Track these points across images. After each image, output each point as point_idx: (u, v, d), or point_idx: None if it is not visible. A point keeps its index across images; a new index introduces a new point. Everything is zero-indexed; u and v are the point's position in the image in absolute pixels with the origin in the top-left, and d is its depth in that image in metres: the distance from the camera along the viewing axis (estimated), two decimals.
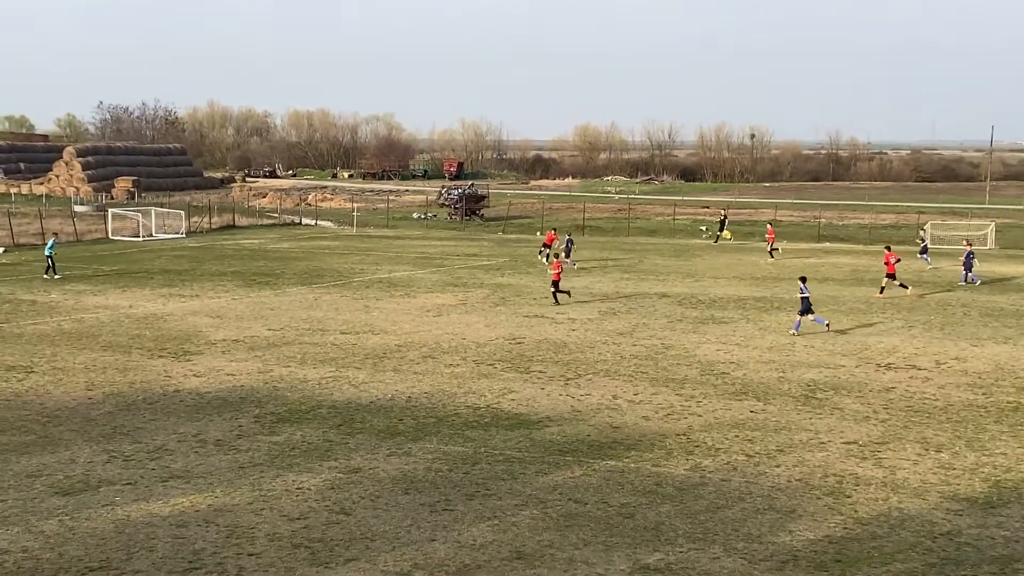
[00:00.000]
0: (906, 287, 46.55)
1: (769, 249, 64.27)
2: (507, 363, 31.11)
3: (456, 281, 50.91)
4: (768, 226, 69.35)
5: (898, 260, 47.76)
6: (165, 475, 20.34)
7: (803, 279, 37.84)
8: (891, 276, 46.36)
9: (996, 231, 74.97)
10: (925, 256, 59.38)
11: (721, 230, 74.16)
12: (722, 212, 78.10)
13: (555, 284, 43.41)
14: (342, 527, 17.68)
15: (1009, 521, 18.04)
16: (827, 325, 36.65)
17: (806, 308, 36.53)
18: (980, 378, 29.33)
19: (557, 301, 42.94)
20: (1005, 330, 37.24)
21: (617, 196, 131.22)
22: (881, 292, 45.93)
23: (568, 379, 29.01)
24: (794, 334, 35.80)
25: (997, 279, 52.89)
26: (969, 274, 50.70)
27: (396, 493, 19.35)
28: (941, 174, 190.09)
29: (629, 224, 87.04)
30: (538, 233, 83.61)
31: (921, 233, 66.98)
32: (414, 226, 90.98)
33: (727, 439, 23.05)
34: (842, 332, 36.66)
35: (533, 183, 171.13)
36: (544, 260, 58.01)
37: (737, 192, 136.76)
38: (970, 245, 53.98)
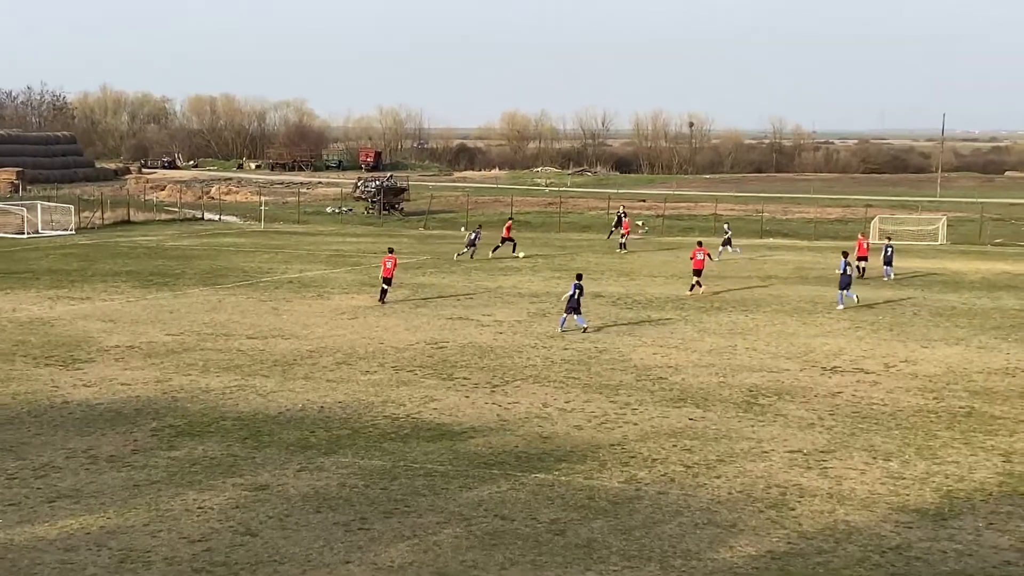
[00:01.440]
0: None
1: (620, 242, 65.88)
2: (429, 369, 31.05)
3: (373, 281, 50.62)
4: (624, 217, 70.79)
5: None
6: (52, 495, 20.01)
7: (579, 276, 38.39)
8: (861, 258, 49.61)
9: (948, 226, 76.37)
10: (729, 247, 62.68)
11: (617, 226, 74.31)
12: (620, 208, 78.24)
13: (386, 281, 43.44)
14: (247, 549, 17.52)
15: (961, 534, 18.38)
16: (585, 328, 37.16)
17: (572, 307, 37.06)
18: (931, 382, 29.86)
19: (382, 301, 43.06)
20: (957, 330, 37.97)
21: (547, 189, 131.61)
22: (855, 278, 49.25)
23: (494, 386, 29.03)
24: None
25: (949, 277, 53.88)
26: (888, 268, 52.43)
27: (307, 512, 19.22)
28: (890, 165, 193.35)
29: (560, 219, 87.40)
30: (462, 229, 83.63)
31: (725, 226, 69.04)
32: (327, 221, 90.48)
33: (664, 449, 23.22)
34: (787, 334, 37.13)
35: (457, 175, 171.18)
36: (517, 254, 60.48)
37: (675, 184, 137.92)
38: (889, 239, 56.82)
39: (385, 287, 43.66)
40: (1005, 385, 29.44)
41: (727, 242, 64.00)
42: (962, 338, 36.52)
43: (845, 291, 43.23)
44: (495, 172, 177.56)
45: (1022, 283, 51.07)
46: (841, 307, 42.59)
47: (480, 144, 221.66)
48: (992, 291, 48.21)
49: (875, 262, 53.80)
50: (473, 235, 61.83)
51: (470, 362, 32.11)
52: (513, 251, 61.97)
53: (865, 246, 53.33)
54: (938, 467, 22.05)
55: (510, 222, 67.63)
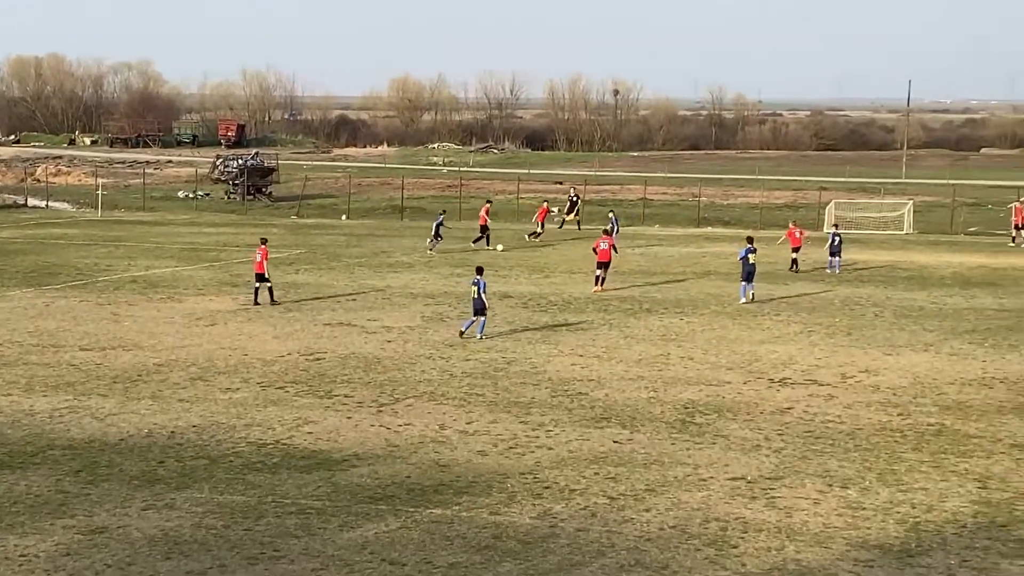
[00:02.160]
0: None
1: (532, 232, 67.37)
2: (303, 385, 30.88)
3: (236, 280, 50.29)
4: (544, 204, 71.92)
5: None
6: None
7: (479, 270, 38.96)
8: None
9: (915, 212, 77.75)
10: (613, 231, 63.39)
11: (570, 212, 74.95)
12: (572, 190, 78.87)
13: (260, 278, 43.41)
14: None
15: (931, 573, 18.72)
16: (461, 333, 37.63)
17: (479, 308, 37.47)
18: (895, 395, 30.38)
19: (258, 302, 43.21)
20: (925, 334, 38.67)
21: (446, 169, 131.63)
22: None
23: (382, 405, 28.96)
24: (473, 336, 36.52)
25: (917, 271, 54.84)
26: (835, 259, 54.13)
27: (154, 558, 19.00)
28: (848, 141, 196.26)
29: (461, 205, 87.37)
30: (344, 217, 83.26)
31: (610, 214, 70.36)
32: (179, 208, 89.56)
33: (584, 478, 23.32)
34: (728, 340, 37.54)
35: (337, 152, 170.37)
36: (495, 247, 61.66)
37: (597, 163, 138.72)
38: (836, 226, 58.82)
39: (258, 285, 43.43)
40: (981, 398, 30.05)
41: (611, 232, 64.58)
42: (931, 343, 37.20)
43: (747, 283, 44.92)
44: (382, 149, 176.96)
45: (1000, 279, 52.18)
46: (743, 301, 44.54)
47: (364, 116, 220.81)
48: (966, 288, 49.18)
49: (821, 254, 54.63)
50: (438, 221, 62.79)
51: (352, 376, 31.98)
52: (487, 243, 62.69)
53: (797, 235, 54.89)
54: (904, 495, 22.43)
55: (488, 206, 67.54)
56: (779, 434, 26.59)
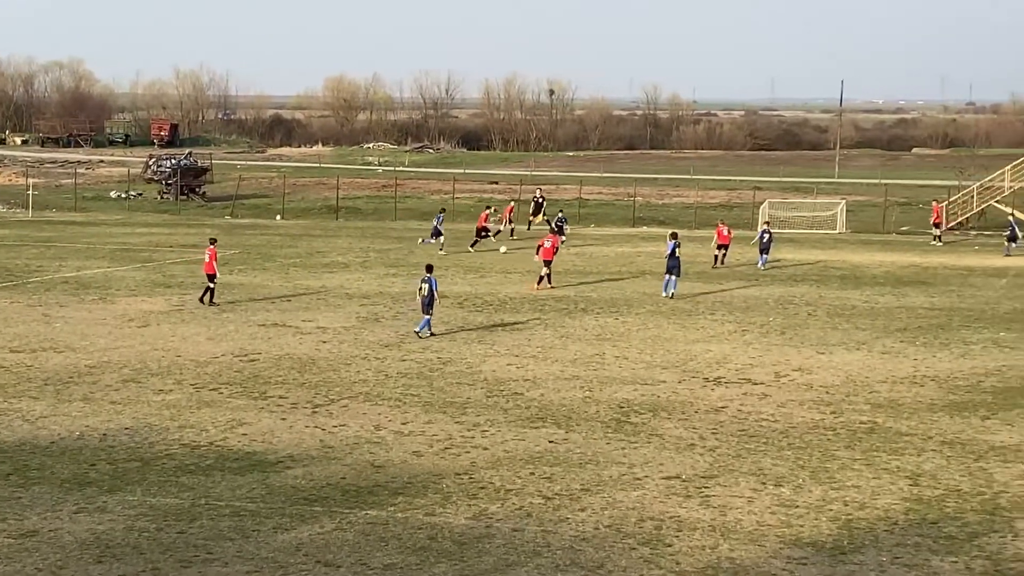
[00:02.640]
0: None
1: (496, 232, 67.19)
2: (237, 387, 30.73)
3: (169, 281, 49.98)
4: (511, 203, 72.04)
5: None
6: None
7: (429, 268, 39.17)
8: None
9: (847, 211, 78.40)
10: (561, 230, 64.62)
11: (536, 214, 74.50)
12: (538, 192, 78.31)
13: (210, 278, 43.34)
14: None
15: (863, 570, 18.87)
16: (417, 333, 37.82)
17: (427, 304, 37.74)
18: (828, 393, 30.63)
19: (203, 301, 43.19)
20: (858, 333, 39.01)
21: (382, 169, 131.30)
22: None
23: (317, 406, 28.86)
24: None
25: (849, 270, 55.32)
26: (765, 256, 55.48)
27: (86, 562, 18.83)
28: (782, 140, 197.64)
29: (397, 205, 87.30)
30: (278, 217, 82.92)
31: (560, 213, 70.71)
32: (112, 208, 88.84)
33: (520, 478, 23.35)
34: (663, 339, 37.70)
35: (271, 152, 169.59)
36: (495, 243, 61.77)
37: (533, 163, 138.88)
38: (767, 223, 60.50)
39: (211, 285, 43.40)
40: (912, 396, 30.35)
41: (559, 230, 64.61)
42: (864, 342, 37.53)
43: (673, 276, 46.50)
44: (318, 148, 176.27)
45: (931, 277, 52.73)
46: (665, 294, 46.12)
47: (299, 115, 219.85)
48: (898, 287, 49.66)
49: (752, 253, 55.08)
50: (437, 219, 63.28)
51: (287, 377, 31.86)
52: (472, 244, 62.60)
53: (725, 232, 56.40)
54: (836, 493, 22.61)
55: (487, 211, 67.20)
56: (713, 433, 26.73)
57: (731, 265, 56.11)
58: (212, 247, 44.17)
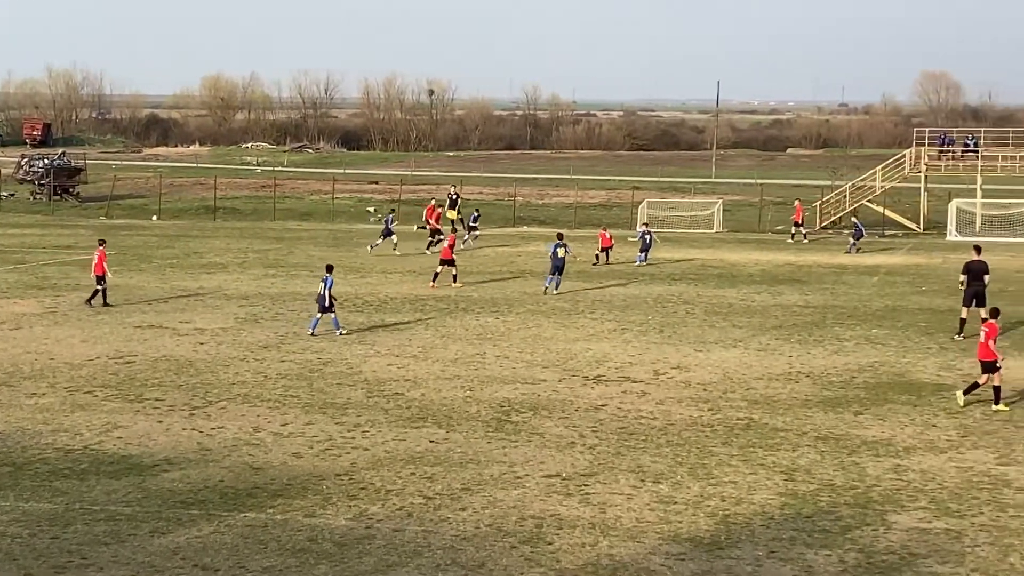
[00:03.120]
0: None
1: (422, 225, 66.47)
2: (112, 389, 30.33)
3: (42, 283, 49.16)
4: (432, 202, 71.56)
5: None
6: None
7: (329, 268, 39.52)
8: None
9: (724, 211, 79.28)
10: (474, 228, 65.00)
11: (452, 208, 74.03)
12: (452, 188, 77.62)
13: (98, 279, 42.87)
14: None
15: (739, 564, 19.11)
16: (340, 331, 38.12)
17: (324, 307, 38.07)
18: (705, 390, 30.96)
19: (91, 303, 42.80)
20: (735, 331, 39.48)
21: (260, 169, 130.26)
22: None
23: (194, 408, 28.59)
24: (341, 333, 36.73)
25: (726, 269, 55.94)
26: (643, 256, 56.56)
27: None
28: (660, 141, 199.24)
29: (275, 205, 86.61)
30: (155, 218, 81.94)
31: (476, 212, 71.03)
32: None
33: (401, 478, 23.32)
34: (543, 338, 37.85)
35: (147, 151, 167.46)
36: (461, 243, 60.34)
37: (413, 163, 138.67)
38: (646, 225, 61.16)
39: (99, 287, 42.99)
40: (787, 392, 30.79)
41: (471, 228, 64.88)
42: (740, 340, 38.00)
43: (556, 275, 47.26)
44: (195, 148, 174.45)
45: (805, 276, 53.52)
46: (548, 289, 47.04)
47: (176, 115, 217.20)
48: (773, 285, 50.34)
49: (631, 252, 55.58)
50: (387, 220, 62.28)
51: (164, 380, 31.52)
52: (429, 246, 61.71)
53: (607, 236, 57.41)
54: (714, 488, 22.87)
55: (432, 205, 65.83)
56: (593, 431, 26.90)
57: (611, 264, 56.52)
58: (101, 248, 43.67)
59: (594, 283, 50.10)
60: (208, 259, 57.92)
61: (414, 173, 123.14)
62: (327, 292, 37.89)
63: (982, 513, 21.48)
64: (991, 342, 29.07)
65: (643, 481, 23.27)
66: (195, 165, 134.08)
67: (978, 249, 40.22)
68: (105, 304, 42.67)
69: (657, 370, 33.34)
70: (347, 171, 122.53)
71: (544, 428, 27.11)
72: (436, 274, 48.67)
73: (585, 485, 22.97)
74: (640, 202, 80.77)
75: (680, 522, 20.97)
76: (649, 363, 34.26)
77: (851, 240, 64.06)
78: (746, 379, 32.32)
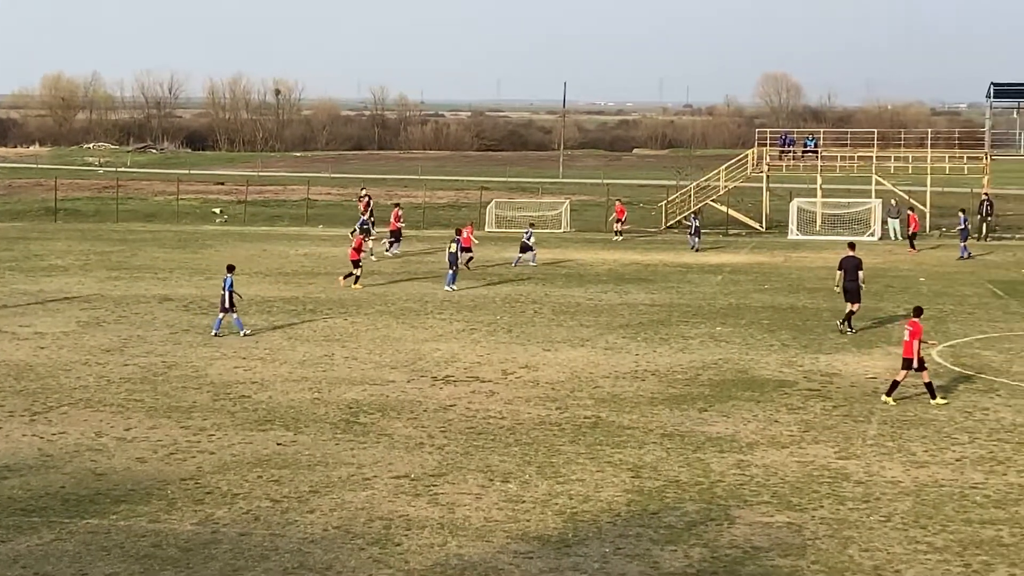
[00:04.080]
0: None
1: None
2: None
3: None
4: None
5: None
6: None
7: (230, 268, 39.70)
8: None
9: (571, 210, 79.88)
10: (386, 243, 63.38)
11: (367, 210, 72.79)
12: (362, 191, 76.46)
13: None
14: None
15: (587, 561, 19.27)
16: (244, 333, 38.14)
17: (225, 306, 38.30)
18: (553, 390, 31.17)
19: None
20: (582, 330, 39.80)
21: (103, 170, 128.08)
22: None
23: (35, 414, 28.04)
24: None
25: (574, 269, 56.38)
26: (522, 256, 56.86)
27: None
28: (508, 141, 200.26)
29: (119, 206, 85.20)
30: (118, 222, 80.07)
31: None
32: None
33: (247, 481, 23.11)
34: (392, 339, 37.79)
35: None
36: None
37: (260, 164, 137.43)
38: (532, 226, 61.58)
39: None
40: (634, 390, 31.12)
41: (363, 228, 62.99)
42: (588, 339, 38.32)
43: (452, 272, 48.48)
44: (35, 149, 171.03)
45: (651, 275, 54.16)
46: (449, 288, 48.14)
47: (15, 114, 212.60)
48: (620, 284, 50.85)
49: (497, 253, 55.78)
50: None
51: (3, 385, 30.88)
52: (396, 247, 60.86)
53: (466, 235, 56.30)
54: (561, 487, 23.03)
55: (397, 210, 63.96)
56: (442, 431, 26.92)
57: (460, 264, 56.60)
58: None
59: (442, 283, 50.12)
60: (49, 261, 56.77)
61: (261, 174, 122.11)
62: (227, 292, 37.83)
63: (822, 506, 21.94)
64: (916, 341, 29.63)
65: (492, 480, 23.34)
66: (35, 166, 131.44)
67: (852, 246, 41.28)
68: None
69: (505, 370, 33.48)
70: (192, 172, 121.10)
71: (393, 429, 27.07)
72: (353, 275, 48.61)
73: (434, 485, 22.98)
74: (488, 202, 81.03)
75: (528, 521, 21.08)
76: (497, 363, 34.39)
77: (695, 239, 64.81)
78: (593, 378, 32.60)
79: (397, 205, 65.50)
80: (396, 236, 61.87)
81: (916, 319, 30.14)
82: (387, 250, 60.68)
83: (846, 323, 39.28)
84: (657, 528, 20.75)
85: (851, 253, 39.94)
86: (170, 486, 22.76)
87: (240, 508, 21.55)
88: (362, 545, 19.79)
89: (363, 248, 51.04)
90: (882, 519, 21.23)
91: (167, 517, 21.04)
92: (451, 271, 48.61)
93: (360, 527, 20.64)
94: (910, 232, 65.72)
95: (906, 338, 29.89)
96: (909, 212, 68.09)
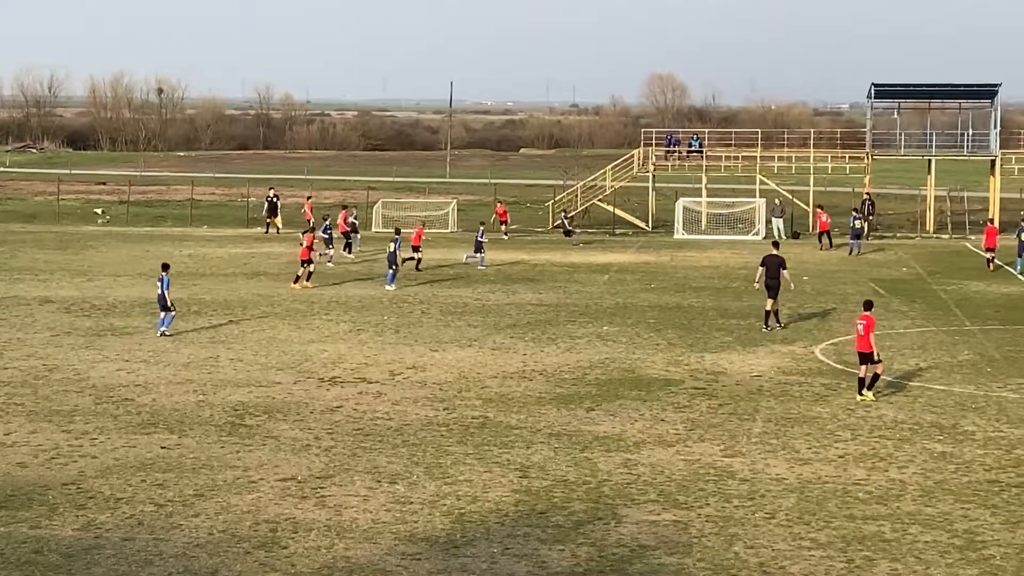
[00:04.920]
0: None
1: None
2: None
3: None
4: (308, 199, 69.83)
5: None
6: None
7: (164, 267, 39.55)
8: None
9: (459, 210, 79.87)
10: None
11: (274, 212, 71.29)
12: (270, 191, 75.11)
13: None
14: None
15: (475, 562, 19.31)
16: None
17: (165, 305, 38.43)
18: (441, 390, 31.18)
19: None
20: (470, 330, 39.84)
21: None
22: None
23: None
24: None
25: (462, 269, 56.38)
26: (475, 255, 57.38)
27: None
28: (395, 140, 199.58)
29: None
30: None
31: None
32: None
33: (131, 485, 22.85)
34: (278, 340, 37.55)
35: None
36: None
37: (143, 163, 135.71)
38: (483, 224, 60.66)
39: None
40: (521, 390, 31.23)
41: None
42: (475, 339, 38.36)
43: (392, 272, 48.78)
44: None
45: (539, 274, 54.33)
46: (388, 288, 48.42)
47: None
48: (507, 284, 50.95)
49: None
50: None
51: None
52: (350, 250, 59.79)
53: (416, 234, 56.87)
54: (449, 487, 23.05)
55: (345, 211, 62.41)
56: (329, 433, 26.82)
57: (345, 264, 56.38)
58: None
59: (329, 284, 49.90)
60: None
61: (144, 174, 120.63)
62: (165, 291, 37.94)
63: (708, 504, 22.19)
64: (871, 335, 30.04)
65: (379, 482, 23.31)
66: None
67: (776, 245, 42.58)
68: None
69: (393, 370, 33.42)
70: (74, 171, 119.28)
71: (279, 431, 26.91)
72: (302, 277, 48.68)
73: (321, 488, 22.89)
74: (376, 202, 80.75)
75: (416, 522, 21.07)
76: (385, 364, 34.31)
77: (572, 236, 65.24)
78: (481, 378, 32.66)
79: (345, 207, 64.70)
80: (348, 236, 61.13)
81: (868, 312, 30.72)
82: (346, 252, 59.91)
83: (774, 320, 40.04)
84: (545, 528, 20.85)
85: (774, 252, 40.86)
86: (51, 491, 22.44)
87: (123, 513, 21.30)
88: (248, 549, 19.66)
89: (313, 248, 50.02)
90: (767, 516, 21.53)
91: (48, 523, 20.75)
92: (391, 271, 48.82)
93: (246, 530, 20.50)
94: (819, 231, 66.46)
95: (860, 332, 30.37)
96: (818, 210, 68.37)
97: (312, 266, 49.28)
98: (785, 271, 40.16)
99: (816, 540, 20.34)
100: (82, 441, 25.90)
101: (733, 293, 47.90)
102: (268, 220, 72.17)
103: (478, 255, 56.97)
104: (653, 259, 61.00)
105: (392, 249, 49.24)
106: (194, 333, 38.68)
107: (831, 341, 37.87)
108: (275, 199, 72.41)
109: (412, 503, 22.10)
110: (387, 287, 48.40)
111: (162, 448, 25.46)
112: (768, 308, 40.00)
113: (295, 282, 48.53)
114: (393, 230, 53.00)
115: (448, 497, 22.47)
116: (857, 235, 63.29)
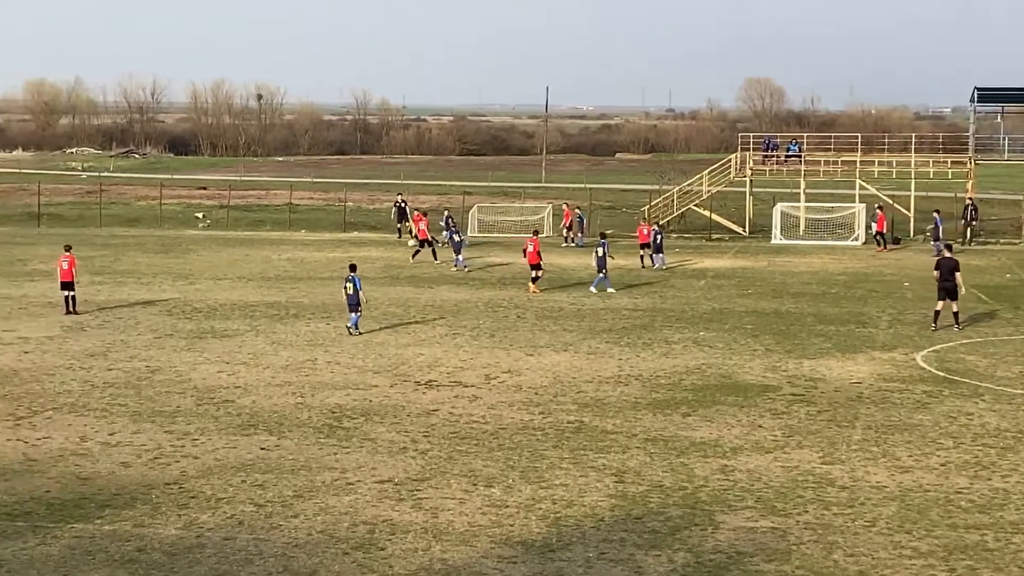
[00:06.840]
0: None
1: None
2: None
3: None
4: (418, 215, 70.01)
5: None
6: None
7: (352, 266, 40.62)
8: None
9: (554, 215, 79.83)
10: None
11: (403, 217, 71.44)
12: (399, 196, 75.43)
13: (65, 286, 42.51)
14: None
15: (571, 566, 19.32)
16: None
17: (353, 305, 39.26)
18: (536, 394, 31.19)
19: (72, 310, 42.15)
20: (565, 335, 39.82)
21: (86, 174, 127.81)
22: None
23: (19, 419, 28.00)
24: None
25: (557, 273, 56.38)
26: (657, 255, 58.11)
27: None
28: (490, 145, 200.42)
29: (102, 211, 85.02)
30: (411, 235, 79.86)
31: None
32: None
33: (231, 486, 23.11)
34: (375, 344, 37.77)
35: None
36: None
37: (242, 168, 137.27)
38: (536, 233, 59.38)
39: (68, 292, 42.94)
40: (617, 395, 31.16)
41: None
42: (571, 343, 38.33)
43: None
44: (18, 154, 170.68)
45: (634, 279, 54.17)
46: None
47: None
48: (602, 289, 50.79)
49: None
50: (451, 233, 59.45)
51: None
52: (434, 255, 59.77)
53: (422, 228, 58.26)
54: (545, 491, 23.07)
55: (421, 216, 62.86)
56: (425, 436, 26.94)
57: (434, 266, 56.61)
58: (68, 254, 43.61)
59: (424, 288, 50.12)
60: (32, 266, 56.62)
61: (243, 178, 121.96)
62: (359, 290, 39.24)
63: (807, 511, 22.01)
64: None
65: (475, 485, 23.37)
66: (18, 171, 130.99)
67: (949, 247, 43.25)
68: (72, 312, 42.25)
69: (488, 374, 33.50)
70: (175, 176, 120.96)
71: (376, 434, 27.08)
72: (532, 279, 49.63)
73: (417, 490, 23.01)
74: (471, 207, 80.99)
75: (512, 525, 21.12)
76: (480, 367, 34.40)
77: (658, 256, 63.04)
78: (576, 382, 32.63)
79: (424, 214, 64.37)
80: (421, 244, 60.84)
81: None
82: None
83: (954, 322, 40.29)
84: (641, 533, 20.81)
85: (948, 255, 41.37)
86: (154, 490, 22.76)
87: (224, 513, 21.55)
88: (346, 549, 19.82)
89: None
90: (867, 524, 21.31)
91: (151, 522, 21.05)
92: (600, 274, 49.62)
93: (344, 532, 20.67)
94: (875, 231, 66.03)
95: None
96: (878, 211, 67.99)
97: (540, 271, 50.04)
98: (959, 273, 40.15)
99: (917, 549, 20.11)
100: (184, 442, 26.24)
101: (832, 299, 47.44)
102: (399, 226, 72.14)
103: (659, 254, 58.21)
104: (750, 264, 60.59)
105: (600, 254, 49.69)
106: (292, 336, 39.02)
107: (932, 348, 37.38)
108: (403, 204, 72.47)
109: (508, 506, 22.14)
110: (608, 290, 49.21)
111: (261, 449, 25.73)
112: (938, 309, 40.22)
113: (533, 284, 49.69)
114: (599, 234, 53.11)
115: (544, 501, 22.49)
116: (937, 237, 62.65)
